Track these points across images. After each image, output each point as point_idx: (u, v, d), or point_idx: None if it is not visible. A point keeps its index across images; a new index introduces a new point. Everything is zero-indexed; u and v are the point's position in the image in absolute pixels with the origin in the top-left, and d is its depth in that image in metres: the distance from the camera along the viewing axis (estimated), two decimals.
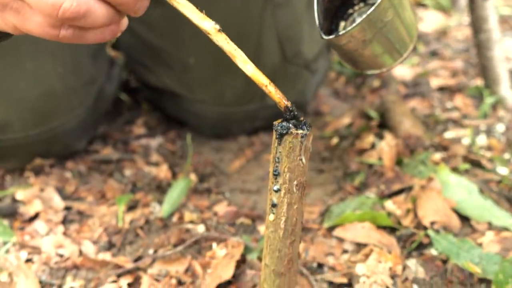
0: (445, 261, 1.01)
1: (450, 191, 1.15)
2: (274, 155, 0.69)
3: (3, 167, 1.32)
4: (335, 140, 1.43)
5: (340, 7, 0.91)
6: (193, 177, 1.29)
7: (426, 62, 1.90)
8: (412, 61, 1.89)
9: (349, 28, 0.76)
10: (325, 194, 1.24)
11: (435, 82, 1.73)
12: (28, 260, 1.07)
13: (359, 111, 1.53)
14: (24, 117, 1.22)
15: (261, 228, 1.12)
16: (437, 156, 1.29)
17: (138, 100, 1.66)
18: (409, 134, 1.33)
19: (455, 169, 1.24)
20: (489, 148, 1.36)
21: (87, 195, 1.25)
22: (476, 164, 1.27)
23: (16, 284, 1.00)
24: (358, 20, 0.76)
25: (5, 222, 1.16)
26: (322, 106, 1.62)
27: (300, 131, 0.67)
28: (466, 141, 1.39)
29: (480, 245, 1.04)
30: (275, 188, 0.71)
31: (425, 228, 1.08)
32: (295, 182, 0.71)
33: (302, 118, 0.68)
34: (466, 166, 1.25)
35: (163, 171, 1.31)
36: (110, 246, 1.10)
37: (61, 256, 1.07)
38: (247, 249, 1.04)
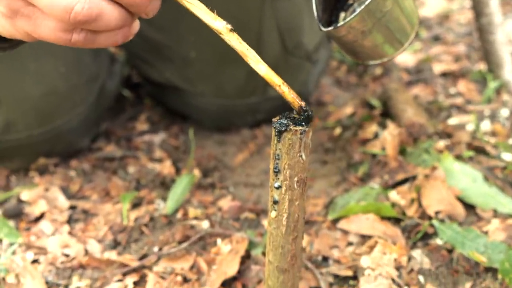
0: (450, 251, 1.01)
1: (454, 179, 1.15)
2: (274, 152, 0.69)
3: (8, 167, 1.32)
4: (338, 131, 1.42)
5: None
6: (196, 172, 1.29)
7: (429, 47, 1.89)
8: (414, 47, 1.87)
9: (347, 19, 0.75)
10: (329, 185, 1.24)
11: (438, 68, 1.72)
12: (35, 261, 1.07)
13: (362, 100, 1.53)
14: (28, 117, 1.22)
15: (265, 223, 1.12)
16: (441, 143, 1.28)
17: (140, 95, 1.66)
18: (412, 123, 1.32)
19: (459, 157, 1.23)
20: (493, 133, 1.35)
21: (91, 194, 1.25)
22: (481, 150, 1.27)
23: (23, 286, 1.00)
24: (360, 9, 0.75)
25: (11, 223, 1.16)
26: (324, 96, 1.62)
27: (299, 128, 0.67)
28: (470, 127, 1.38)
29: (485, 233, 1.03)
30: (276, 185, 0.71)
31: (429, 217, 1.08)
32: (295, 179, 0.71)
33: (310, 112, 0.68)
34: (470, 153, 1.24)
35: (166, 167, 1.31)
36: (115, 244, 1.11)
37: (67, 256, 1.08)
38: (251, 245, 1.05)
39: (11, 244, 1.11)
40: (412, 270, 0.98)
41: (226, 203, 1.19)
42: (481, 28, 1.52)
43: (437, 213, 1.08)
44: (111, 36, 0.65)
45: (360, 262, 0.99)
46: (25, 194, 1.22)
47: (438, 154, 1.23)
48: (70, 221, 1.18)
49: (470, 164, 1.20)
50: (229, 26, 0.65)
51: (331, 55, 1.56)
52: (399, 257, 0.99)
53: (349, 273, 0.98)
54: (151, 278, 1.00)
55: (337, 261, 1.01)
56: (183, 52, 1.36)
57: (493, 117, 1.43)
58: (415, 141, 1.30)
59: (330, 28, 0.78)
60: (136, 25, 0.68)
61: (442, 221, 1.07)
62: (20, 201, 1.23)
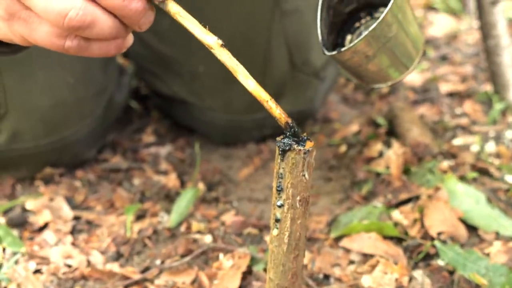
0: (452, 272, 1.01)
1: (457, 201, 1.15)
2: (277, 170, 0.70)
3: (14, 176, 1.33)
4: (343, 148, 1.43)
5: (346, 21, 0.91)
6: (201, 185, 1.30)
7: (436, 67, 1.90)
8: (421, 66, 1.88)
9: (351, 44, 0.76)
10: (332, 203, 1.24)
11: (444, 88, 1.72)
12: (37, 271, 1.08)
13: (367, 118, 1.53)
14: (35, 127, 1.23)
15: (268, 239, 1.12)
16: (445, 164, 1.29)
17: (148, 108, 1.67)
18: (417, 142, 1.33)
19: (463, 178, 1.24)
20: (497, 155, 1.35)
21: (96, 205, 1.26)
22: (484, 172, 1.27)
23: None
24: (364, 34, 0.76)
25: (15, 232, 1.17)
26: (331, 112, 1.62)
27: (302, 148, 0.67)
28: (475, 148, 1.38)
29: (487, 255, 1.04)
30: (279, 203, 0.72)
31: (432, 238, 1.08)
32: (298, 198, 0.71)
33: (304, 134, 0.69)
34: (474, 174, 1.25)
35: (171, 180, 1.32)
36: (118, 256, 1.11)
37: (69, 266, 1.08)
38: (253, 260, 1.05)
39: (14, 254, 1.11)
40: None
41: (229, 217, 1.20)
42: (488, 50, 1.53)
43: (439, 234, 1.08)
44: (104, 46, 0.67)
45: (361, 281, 0.99)
46: (30, 203, 1.23)
47: (442, 175, 1.23)
48: (73, 231, 1.19)
49: (474, 185, 1.21)
50: (220, 42, 0.66)
51: (338, 72, 1.56)
52: (400, 277, 0.99)
53: None
54: None
55: (338, 280, 1.01)
56: (191, 66, 1.37)
57: (498, 138, 1.43)
58: (419, 161, 1.31)
59: (334, 53, 0.79)
60: (130, 39, 0.69)
61: (444, 242, 1.07)
62: (24, 210, 1.23)
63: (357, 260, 1.06)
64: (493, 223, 1.10)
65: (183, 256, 1.09)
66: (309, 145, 0.68)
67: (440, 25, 2.24)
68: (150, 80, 1.50)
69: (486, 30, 1.50)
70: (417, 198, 1.19)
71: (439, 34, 2.16)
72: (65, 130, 1.27)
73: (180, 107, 1.47)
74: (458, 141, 1.42)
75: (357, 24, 0.91)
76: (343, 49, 0.77)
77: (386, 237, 1.09)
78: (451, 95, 1.69)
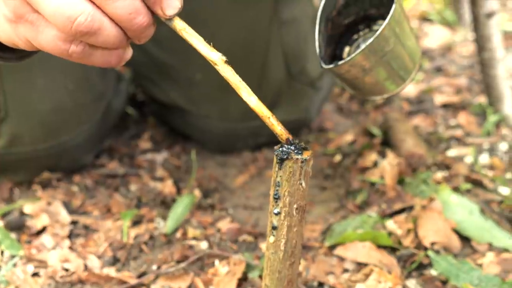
0: (444, 282, 1.02)
1: (451, 211, 1.16)
2: (275, 179, 0.71)
3: (12, 180, 1.34)
4: (338, 157, 1.44)
5: (344, 33, 0.92)
6: (197, 192, 1.31)
7: (431, 78, 1.92)
8: (416, 77, 1.90)
9: (348, 58, 0.77)
10: (327, 212, 1.26)
11: (439, 99, 1.74)
12: (35, 274, 1.08)
13: (362, 128, 1.55)
14: (34, 131, 1.24)
15: (263, 246, 1.13)
16: (439, 175, 1.30)
17: (144, 114, 1.68)
18: (412, 153, 1.34)
19: (456, 189, 1.25)
20: (491, 167, 1.37)
21: (93, 210, 1.27)
22: (478, 183, 1.28)
23: None
24: (361, 47, 0.77)
25: (13, 235, 1.18)
26: (326, 122, 1.64)
27: (300, 157, 0.69)
28: (468, 159, 1.40)
29: (480, 266, 1.05)
30: (275, 211, 0.73)
31: (425, 248, 1.09)
32: (295, 206, 0.73)
33: (302, 143, 0.70)
34: (468, 185, 1.26)
35: (168, 187, 1.33)
36: (114, 261, 1.12)
37: (66, 270, 1.09)
38: (248, 267, 1.06)
39: (13, 257, 1.12)
40: None
41: (225, 224, 1.21)
42: (482, 62, 1.55)
43: (432, 244, 1.09)
44: (106, 55, 0.68)
45: None
46: (28, 207, 1.24)
47: (436, 186, 1.24)
48: (71, 236, 1.20)
49: (467, 196, 1.22)
50: (224, 58, 0.67)
51: (334, 82, 1.58)
52: (393, 286, 1.00)
53: None
54: None
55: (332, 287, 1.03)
56: (189, 73, 1.38)
57: (491, 150, 1.45)
58: (413, 171, 1.32)
59: (331, 66, 0.80)
60: (130, 51, 0.70)
61: (437, 252, 1.08)
62: (22, 214, 1.24)
63: (351, 268, 1.07)
64: (486, 234, 1.12)
65: (179, 262, 1.09)
66: (306, 154, 0.69)
67: (435, 36, 2.26)
68: (147, 86, 1.51)
69: (481, 42, 1.52)
70: (411, 208, 1.20)
71: (434, 45, 2.19)
72: (63, 135, 1.28)
73: (176, 114, 1.48)
74: (452, 153, 1.44)
75: (355, 36, 0.92)
76: (340, 62, 0.78)
77: (380, 246, 1.10)
78: (445, 106, 1.71)
